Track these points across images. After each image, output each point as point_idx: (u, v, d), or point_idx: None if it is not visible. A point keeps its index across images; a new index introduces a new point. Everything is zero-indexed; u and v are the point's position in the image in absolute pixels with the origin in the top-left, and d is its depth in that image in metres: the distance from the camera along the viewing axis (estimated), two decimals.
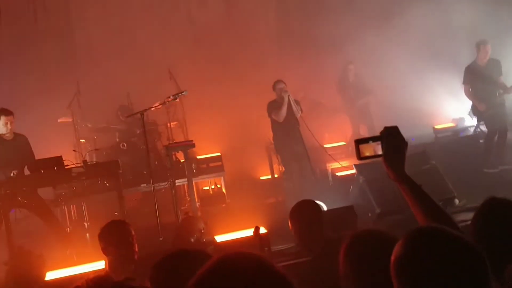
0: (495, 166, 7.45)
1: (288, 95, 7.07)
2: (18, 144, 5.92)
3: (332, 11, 9.76)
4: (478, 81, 7.62)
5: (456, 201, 5.93)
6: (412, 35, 9.41)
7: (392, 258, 1.39)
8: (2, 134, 5.72)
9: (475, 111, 7.90)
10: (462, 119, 9.49)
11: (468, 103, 8.14)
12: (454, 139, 8.84)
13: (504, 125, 7.56)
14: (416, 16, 9.43)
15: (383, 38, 9.30)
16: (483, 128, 8.30)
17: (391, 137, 1.83)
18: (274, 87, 7.29)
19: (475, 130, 8.80)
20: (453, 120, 9.55)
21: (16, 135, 5.94)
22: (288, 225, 3.58)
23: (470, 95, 7.77)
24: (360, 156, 1.87)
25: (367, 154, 1.87)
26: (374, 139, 1.86)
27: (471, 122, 9.13)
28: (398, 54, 9.26)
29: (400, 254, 1.38)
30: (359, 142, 1.88)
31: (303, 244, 3.60)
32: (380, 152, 1.84)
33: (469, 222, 4.98)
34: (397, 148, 1.83)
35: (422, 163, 6.31)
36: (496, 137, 7.61)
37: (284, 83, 7.22)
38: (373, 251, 2.03)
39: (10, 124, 5.75)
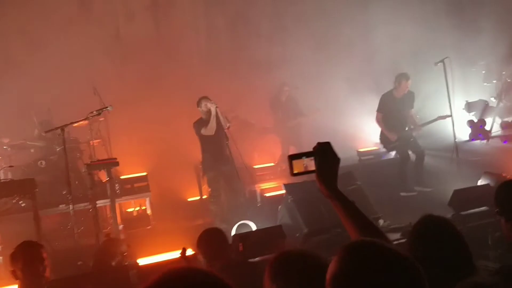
0: (411, 190, 7.77)
1: (216, 107, 6.88)
2: None
3: (263, 33, 9.90)
4: (391, 111, 7.92)
5: (381, 221, 6.07)
6: (344, 59, 9.69)
7: (328, 275, 1.35)
8: None
9: (383, 139, 8.18)
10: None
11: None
12: (376, 162, 9.13)
13: (420, 149, 7.92)
14: (349, 41, 9.77)
15: (316, 61, 9.54)
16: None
17: (324, 153, 1.82)
18: (198, 104, 7.07)
19: (395, 154, 9.17)
20: (376, 144, 9.89)
21: None
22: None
23: (381, 123, 8.05)
24: (293, 172, 1.84)
25: (300, 170, 1.83)
26: (307, 154, 1.83)
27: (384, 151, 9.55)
28: (331, 77, 9.52)
29: (335, 270, 1.33)
30: (292, 157, 1.84)
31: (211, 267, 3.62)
32: (313, 168, 1.82)
33: (398, 241, 5.11)
34: (330, 164, 1.81)
35: (348, 184, 6.44)
36: (413, 161, 7.95)
37: (209, 99, 7.07)
38: (297, 271, 2.01)
39: None
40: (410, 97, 7.97)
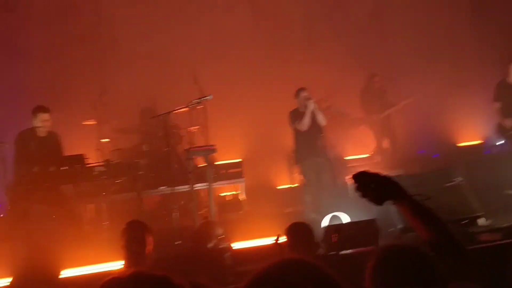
0: None
1: (313, 102, 6.94)
2: (50, 142, 6.01)
3: (359, 21, 9.70)
4: (509, 99, 7.47)
5: (481, 220, 5.78)
6: (440, 51, 9.26)
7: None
8: (37, 129, 5.83)
9: (501, 129, 7.74)
10: (489, 137, 9.29)
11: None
12: (479, 157, 8.65)
13: None
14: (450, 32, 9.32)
15: (410, 51, 9.20)
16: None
17: (362, 182, 1.85)
18: (296, 95, 7.19)
19: (502, 148, 8.62)
20: (480, 138, 9.36)
21: (49, 133, 6.04)
22: None
23: (499, 112, 7.63)
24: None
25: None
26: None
27: (498, 140, 8.95)
28: (424, 68, 9.13)
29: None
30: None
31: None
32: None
33: (494, 243, 4.84)
34: (372, 184, 1.84)
35: (445, 181, 6.18)
36: None
37: (307, 91, 7.13)
38: (404, 267, 1.97)
39: (47, 121, 5.87)
40: None
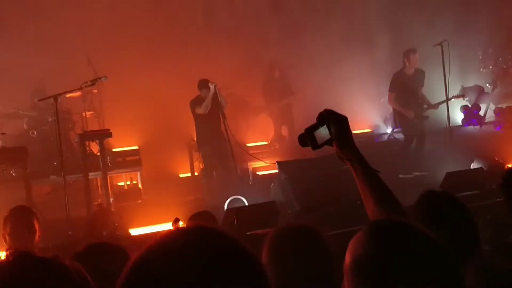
0: (409, 172, 7.73)
1: (215, 86, 6.90)
2: None
3: (260, 10, 9.79)
4: (405, 90, 7.76)
5: None
6: (336, 38, 9.60)
7: (351, 256, 1.24)
8: None
9: (399, 118, 7.96)
10: (377, 126, 9.84)
11: (387, 110, 8.37)
12: (370, 145, 9.12)
13: (422, 132, 7.84)
14: (347, 23, 9.68)
15: (311, 40, 9.45)
16: (397, 136, 8.63)
17: (335, 118, 1.75)
18: (199, 86, 7.11)
19: (389, 137, 9.16)
20: (370, 126, 9.87)
21: None
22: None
23: (395, 103, 7.88)
24: (318, 144, 1.73)
25: (322, 141, 1.75)
26: (320, 124, 1.75)
27: (385, 129, 9.50)
28: (323, 56, 9.43)
29: (361, 252, 1.22)
30: (312, 129, 1.74)
31: None
32: (328, 136, 1.74)
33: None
34: (342, 126, 1.74)
35: (341, 164, 6.42)
36: (413, 144, 7.90)
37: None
38: (296, 243, 2.00)
39: None
40: (421, 74, 7.84)
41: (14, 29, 8.22)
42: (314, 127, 1.75)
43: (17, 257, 1.31)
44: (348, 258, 1.24)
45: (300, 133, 1.78)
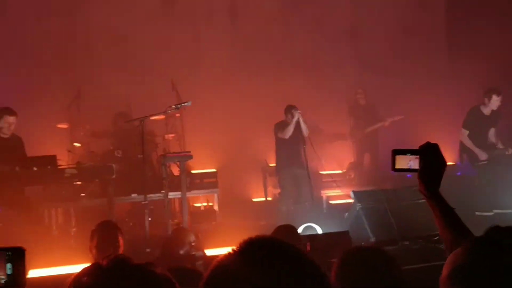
0: (488, 209, 7.33)
1: (298, 113, 7.09)
2: (13, 144, 5.85)
3: (338, 38, 9.83)
4: (478, 129, 7.45)
5: None
6: (416, 73, 9.42)
7: (450, 267, 1.35)
8: (1, 131, 5.68)
9: (471, 157, 7.64)
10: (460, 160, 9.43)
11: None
12: (451, 178, 8.77)
13: (500, 171, 7.43)
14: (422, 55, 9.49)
15: (394, 66, 9.34)
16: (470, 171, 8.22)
17: (431, 154, 1.77)
18: (286, 111, 7.30)
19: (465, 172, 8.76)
20: (453, 159, 9.49)
21: (13, 135, 5.89)
22: None
23: (468, 141, 7.52)
24: (394, 167, 1.80)
25: (403, 166, 1.79)
26: (412, 152, 1.78)
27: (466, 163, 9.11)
28: (410, 84, 9.27)
29: (461, 263, 1.33)
30: (397, 152, 1.80)
31: None
32: (416, 166, 1.78)
33: None
34: (436, 165, 1.77)
35: (417, 197, 6.22)
36: (487, 181, 7.50)
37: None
38: (366, 264, 2.00)
39: (12, 124, 5.73)
40: (498, 115, 7.44)
41: (103, 54, 8.81)
42: (401, 151, 1.78)
43: (114, 261, 1.43)
44: (446, 270, 1.35)
45: (384, 160, 1.83)
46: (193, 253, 4.81)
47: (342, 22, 10.13)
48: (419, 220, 5.52)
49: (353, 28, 10.17)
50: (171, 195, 6.80)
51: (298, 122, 7.10)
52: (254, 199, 8.83)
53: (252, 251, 1.07)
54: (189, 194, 7.16)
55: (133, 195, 7.07)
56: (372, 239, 5.59)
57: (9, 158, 5.61)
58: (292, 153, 7.21)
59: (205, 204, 7.75)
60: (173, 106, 6.05)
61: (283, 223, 6.78)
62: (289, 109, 7.25)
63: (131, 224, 7.05)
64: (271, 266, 1.03)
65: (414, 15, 10.14)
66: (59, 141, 7.56)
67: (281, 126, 7.27)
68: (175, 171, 7.10)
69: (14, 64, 8.35)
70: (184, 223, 6.21)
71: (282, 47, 9.99)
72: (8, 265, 1.14)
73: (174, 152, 6.60)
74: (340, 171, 8.91)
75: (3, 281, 1.13)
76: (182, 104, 6.11)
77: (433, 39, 10.22)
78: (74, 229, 6.60)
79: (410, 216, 5.75)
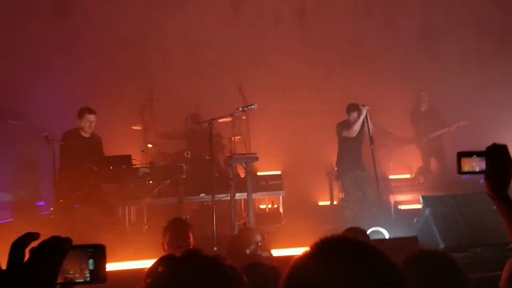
0: None
1: (367, 108, 6.78)
2: (93, 143, 6.17)
3: (408, 39, 9.61)
4: None
5: None
6: (490, 75, 9.02)
7: (509, 272, 1.36)
8: (82, 130, 6.00)
9: None
10: None
11: None
12: None
13: None
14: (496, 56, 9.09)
15: (460, 73, 9.02)
16: None
17: (498, 155, 1.71)
18: (349, 109, 7.06)
19: None
20: None
21: (93, 134, 6.20)
22: None
23: None
24: (460, 170, 1.76)
25: (469, 169, 1.75)
26: (478, 154, 1.74)
27: None
28: (474, 92, 8.91)
29: None
30: (462, 155, 1.76)
31: None
32: (482, 168, 1.73)
33: None
34: (503, 167, 1.70)
35: (490, 203, 5.96)
36: None
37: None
38: (429, 269, 1.97)
39: (93, 123, 6.05)
40: None
41: (175, 59, 9.14)
42: (467, 153, 1.75)
43: (187, 253, 1.55)
44: (505, 274, 1.39)
45: (452, 164, 1.79)
46: (259, 253, 4.88)
47: (412, 22, 9.89)
48: (493, 227, 5.30)
49: (424, 28, 9.90)
50: (238, 195, 6.92)
51: (365, 119, 6.77)
52: (320, 203, 8.79)
53: (330, 249, 1.09)
54: (254, 196, 7.26)
55: (201, 195, 7.29)
56: (442, 245, 5.42)
57: (88, 156, 5.94)
58: (354, 154, 6.97)
59: (270, 206, 7.82)
60: (240, 109, 6.16)
61: (350, 226, 6.77)
62: (353, 107, 6.93)
63: (199, 223, 7.24)
64: (352, 263, 1.04)
65: (488, 13, 9.73)
66: (133, 142, 7.92)
67: (345, 124, 7.00)
68: (241, 172, 7.23)
69: (94, 70, 8.84)
70: (250, 224, 6.30)
71: (350, 48, 9.90)
72: (90, 261, 1.24)
73: (240, 154, 6.71)
74: (409, 176, 8.69)
75: (88, 277, 1.23)
76: (249, 107, 6.21)
77: (507, 38, 9.74)
78: (146, 226, 6.89)
79: (482, 222, 5.52)
